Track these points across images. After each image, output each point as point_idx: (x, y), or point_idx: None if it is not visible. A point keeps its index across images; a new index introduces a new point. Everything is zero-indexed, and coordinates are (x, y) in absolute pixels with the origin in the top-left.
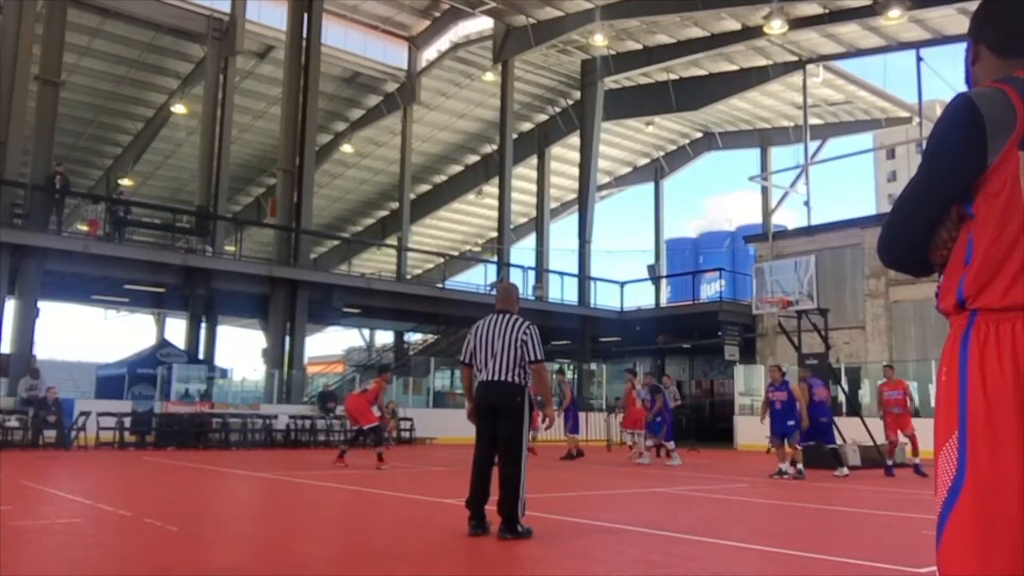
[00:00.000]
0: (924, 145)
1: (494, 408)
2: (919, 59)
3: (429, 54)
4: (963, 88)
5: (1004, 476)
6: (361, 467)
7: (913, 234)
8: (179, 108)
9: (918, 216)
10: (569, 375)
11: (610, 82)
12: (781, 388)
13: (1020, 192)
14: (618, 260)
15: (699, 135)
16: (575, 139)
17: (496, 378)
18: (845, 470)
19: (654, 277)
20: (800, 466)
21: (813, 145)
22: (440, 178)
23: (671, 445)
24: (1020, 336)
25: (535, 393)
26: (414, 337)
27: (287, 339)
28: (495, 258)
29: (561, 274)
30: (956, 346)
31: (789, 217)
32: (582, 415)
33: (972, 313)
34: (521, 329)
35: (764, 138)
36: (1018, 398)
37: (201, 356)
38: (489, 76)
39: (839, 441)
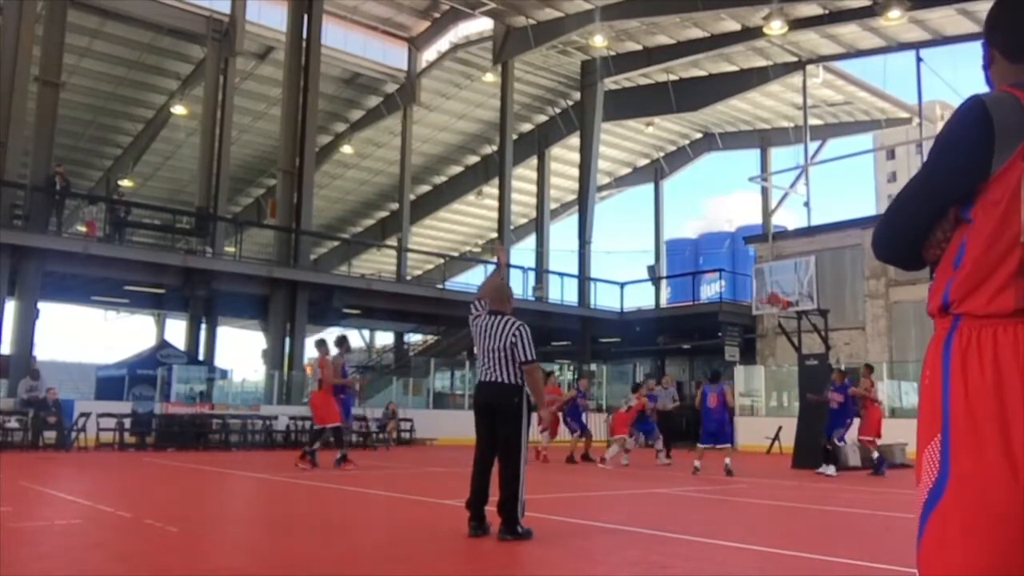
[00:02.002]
0: (929, 144)
1: (492, 409)
2: (919, 60)
3: (429, 55)
4: (963, 89)
5: (985, 478)
6: (361, 468)
7: (910, 231)
8: (179, 109)
9: (917, 214)
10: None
11: (610, 83)
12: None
13: (1019, 204)
14: (618, 261)
15: (699, 136)
16: (575, 140)
17: (492, 379)
18: (831, 469)
19: (654, 278)
20: (728, 462)
21: (813, 146)
22: (440, 179)
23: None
24: (1001, 342)
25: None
26: (414, 338)
27: (287, 340)
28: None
29: (561, 275)
30: (939, 349)
31: (789, 218)
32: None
33: (956, 318)
34: (510, 330)
35: (764, 138)
36: (998, 402)
37: (201, 357)
38: (489, 77)
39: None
